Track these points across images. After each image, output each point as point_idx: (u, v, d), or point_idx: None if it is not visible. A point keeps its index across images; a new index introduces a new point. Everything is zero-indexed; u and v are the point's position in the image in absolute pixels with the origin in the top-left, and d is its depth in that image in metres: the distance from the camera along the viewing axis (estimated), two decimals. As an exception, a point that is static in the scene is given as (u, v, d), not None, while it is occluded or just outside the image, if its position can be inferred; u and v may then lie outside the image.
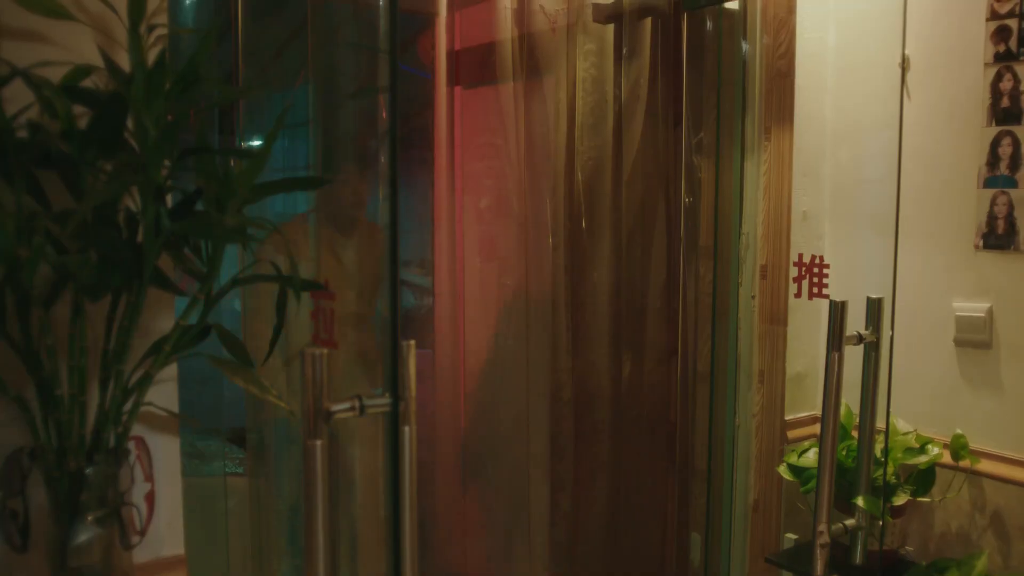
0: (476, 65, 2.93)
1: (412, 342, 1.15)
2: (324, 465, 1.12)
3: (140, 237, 1.06)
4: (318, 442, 1.12)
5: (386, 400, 1.15)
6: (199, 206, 1.10)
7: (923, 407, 2.23)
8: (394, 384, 1.13)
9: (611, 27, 2.71)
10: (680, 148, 2.58)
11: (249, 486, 2.41)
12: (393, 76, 1.16)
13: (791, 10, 2.37)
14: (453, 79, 2.97)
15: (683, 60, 2.54)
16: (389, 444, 1.14)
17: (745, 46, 2.44)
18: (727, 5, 2.43)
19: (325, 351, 1.12)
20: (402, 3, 1.44)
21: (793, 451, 2.27)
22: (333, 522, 1.19)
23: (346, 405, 1.13)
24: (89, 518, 1.06)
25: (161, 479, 1.28)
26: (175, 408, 1.29)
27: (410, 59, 3.04)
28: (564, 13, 2.76)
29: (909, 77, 2.23)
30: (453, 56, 2.95)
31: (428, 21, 2.92)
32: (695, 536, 2.62)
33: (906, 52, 2.20)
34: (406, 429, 1.16)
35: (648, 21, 2.65)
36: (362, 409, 1.14)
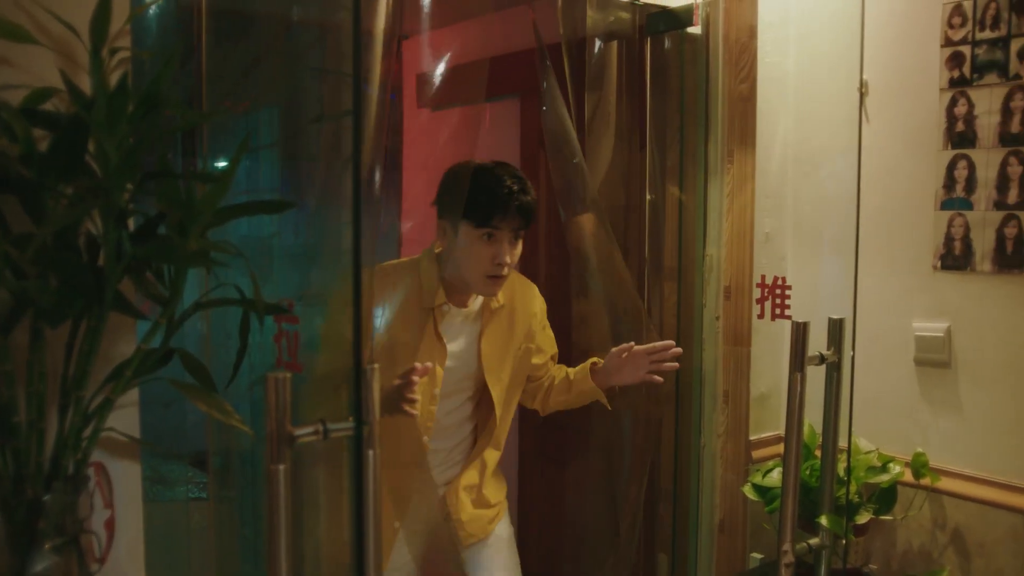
0: (442, 87, 2.94)
1: (376, 365, 1.14)
2: (287, 490, 1.11)
3: (101, 261, 1.06)
4: (281, 467, 1.11)
5: (350, 424, 1.14)
6: (161, 230, 1.10)
7: (885, 426, 2.25)
8: (358, 408, 1.13)
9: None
10: (645, 170, 2.60)
11: (212, 511, 2.38)
12: (357, 99, 1.17)
13: (752, 35, 2.40)
14: (420, 101, 2.97)
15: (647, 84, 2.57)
16: (353, 468, 1.14)
17: (707, 69, 2.47)
18: (689, 30, 2.46)
19: (288, 375, 1.11)
20: (367, 26, 1.45)
21: (758, 471, 2.28)
22: (297, 547, 1.18)
23: (309, 429, 1.13)
24: (47, 546, 1.05)
25: (121, 505, 1.26)
26: (136, 433, 1.27)
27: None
28: (531, 36, 2.77)
29: (868, 102, 2.27)
30: (419, 78, 2.95)
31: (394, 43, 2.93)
32: (662, 557, 2.62)
33: (864, 77, 2.24)
34: (370, 453, 1.15)
35: (614, 44, 2.67)
36: (326, 433, 1.13)
